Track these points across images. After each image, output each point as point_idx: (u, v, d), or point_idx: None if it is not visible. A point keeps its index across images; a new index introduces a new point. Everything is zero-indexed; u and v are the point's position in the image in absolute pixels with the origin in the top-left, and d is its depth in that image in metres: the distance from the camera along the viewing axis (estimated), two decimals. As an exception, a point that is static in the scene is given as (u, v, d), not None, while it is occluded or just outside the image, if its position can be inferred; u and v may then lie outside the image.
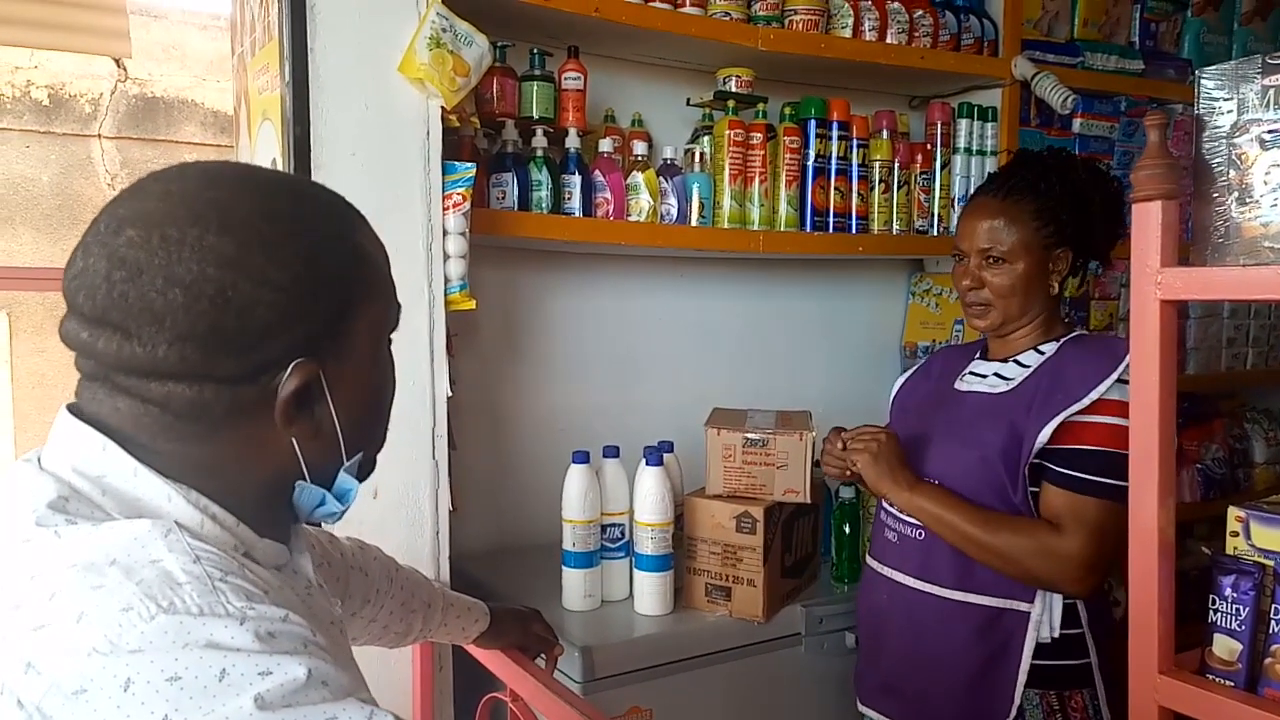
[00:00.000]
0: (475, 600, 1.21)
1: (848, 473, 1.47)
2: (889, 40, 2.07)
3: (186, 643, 0.54)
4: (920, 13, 2.10)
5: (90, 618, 0.54)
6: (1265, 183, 0.99)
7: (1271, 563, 1.02)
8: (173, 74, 3.52)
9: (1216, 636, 1.06)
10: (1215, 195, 1.03)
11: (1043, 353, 1.43)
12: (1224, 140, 1.02)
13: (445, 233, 1.53)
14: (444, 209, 1.53)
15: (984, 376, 1.48)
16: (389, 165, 1.49)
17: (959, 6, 2.18)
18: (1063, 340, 1.44)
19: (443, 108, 1.52)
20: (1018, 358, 1.45)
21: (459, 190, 1.52)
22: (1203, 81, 1.04)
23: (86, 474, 0.64)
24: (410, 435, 1.49)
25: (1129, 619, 1.10)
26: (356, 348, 0.70)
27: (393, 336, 0.77)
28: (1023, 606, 1.36)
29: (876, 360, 2.45)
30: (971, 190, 1.90)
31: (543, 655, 1.27)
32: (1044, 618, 1.36)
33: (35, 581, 0.57)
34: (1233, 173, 1.01)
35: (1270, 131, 0.99)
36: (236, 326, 0.62)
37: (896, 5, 2.07)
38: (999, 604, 1.37)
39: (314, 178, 1.42)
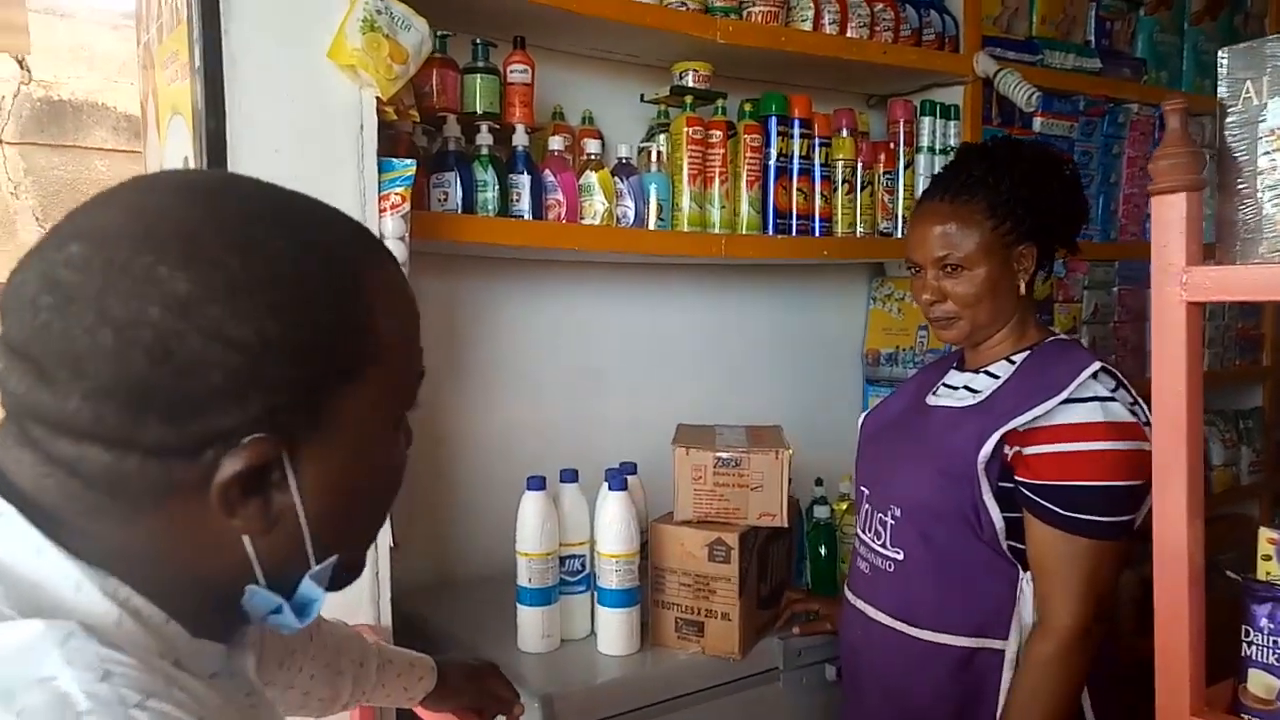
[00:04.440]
0: (419, 655, 1.06)
1: None
2: (849, 34, 1.98)
3: None
4: (881, 6, 2.02)
5: None
6: (1297, 171, 0.90)
7: (1311, 589, 0.93)
8: (81, 75, 3.27)
9: (1252, 672, 0.97)
10: (1241, 185, 0.94)
11: (1014, 362, 1.34)
12: (1252, 126, 0.93)
13: (382, 237, 1.37)
14: (380, 211, 1.37)
15: (955, 389, 1.39)
16: (317, 163, 1.33)
17: (920, 1, 2.10)
18: (1034, 348, 1.34)
19: (378, 99, 1.36)
20: (989, 368, 1.36)
21: (397, 190, 1.37)
22: (1225, 62, 0.95)
23: None
24: (346, 465, 1.33)
25: (1156, 654, 1.00)
26: (344, 427, 0.55)
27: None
28: (997, 644, 1.27)
29: (838, 369, 2.36)
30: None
31: (501, 717, 1.11)
32: (1022, 654, 1.27)
33: None
34: (1263, 161, 0.92)
35: (1302, 114, 0.90)
36: (174, 387, 0.49)
37: (857, -2, 1.98)
38: (972, 644, 1.28)
39: (230, 176, 1.26)
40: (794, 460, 1.46)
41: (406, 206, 1.38)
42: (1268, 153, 0.91)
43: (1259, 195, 0.92)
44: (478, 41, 1.66)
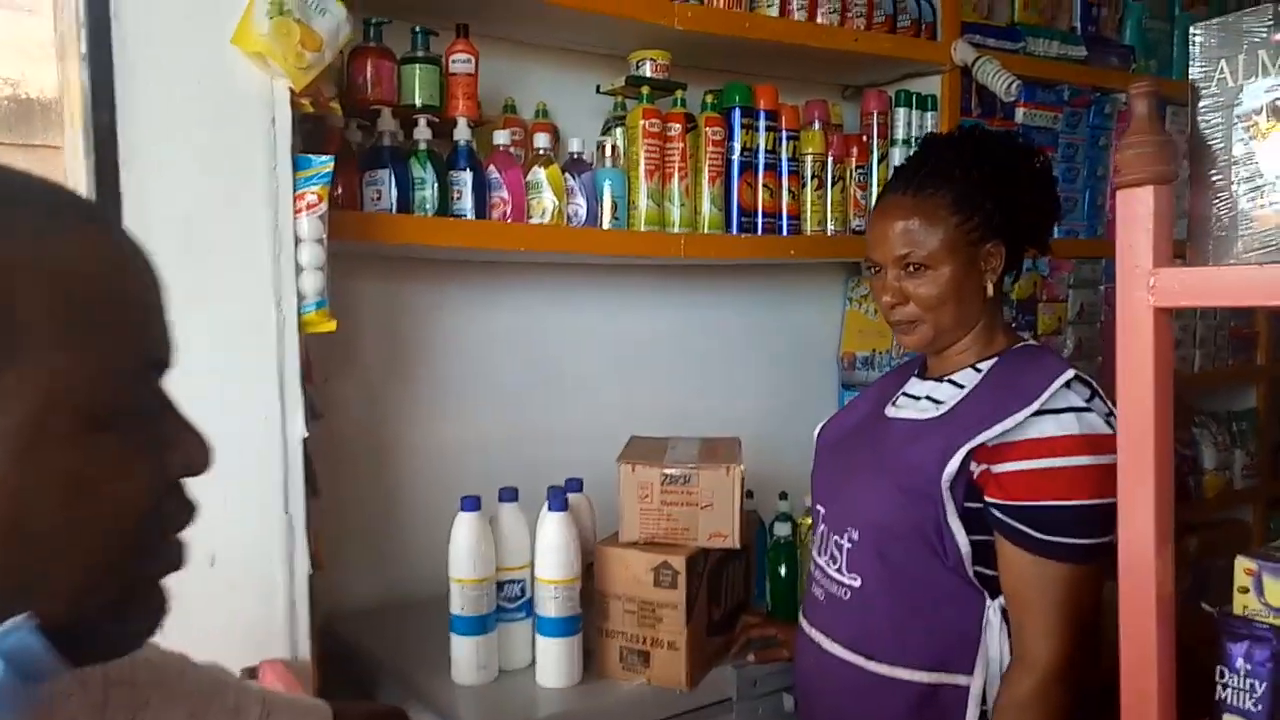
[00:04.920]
0: (315, 703, 0.95)
1: None
2: (819, 21, 1.88)
3: None
4: (853, -9, 1.92)
5: None
6: (1280, 161, 0.80)
7: (1294, 628, 0.83)
8: (50, 73, 3.19)
9: (1226, 717, 0.87)
10: (1215, 177, 0.84)
11: (980, 370, 1.24)
12: (1227, 110, 0.83)
13: (298, 240, 1.27)
14: (296, 211, 1.27)
15: (917, 399, 1.28)
16: (224, 160, 1.23)
17: (894, -15, 2.00)
18: (1002, 355, 1.25)
19: (291, 90, 1.27)
20: (953, 377, 1.26)
21: (313, 189, 1.27)
22: (1198, 40, 0.85)
23: None
24: (256, 487, 1.23)
25: (1121, 694, 0.90)
26: None
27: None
28: (961, 680, 1.17)
29: (812, 373, 2.26)
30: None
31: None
32: (989, 691, 1.17)
33: None
34: (1239, 149, 0.82)
35: (1285, 97, 0.80)
36: None
37: (826, -19, 1.88)
38: (934, 679, 1.18)
39: (123, 176, 1.16)
40: (763, 472, 1.37)
41: (324, 207, 1.28)
42: (1243, 140, 0.81)
43: (1234, 188, 0.82)
44: (417, 30, 1.56)
